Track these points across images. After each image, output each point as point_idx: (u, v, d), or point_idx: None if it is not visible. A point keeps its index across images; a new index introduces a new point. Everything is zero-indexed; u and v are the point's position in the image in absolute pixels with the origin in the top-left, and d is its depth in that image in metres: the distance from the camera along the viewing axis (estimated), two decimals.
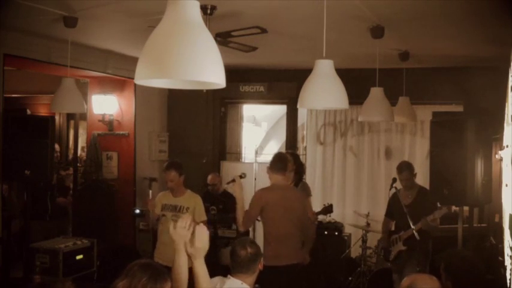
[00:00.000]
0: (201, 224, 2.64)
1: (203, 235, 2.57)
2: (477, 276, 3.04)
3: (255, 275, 3.15)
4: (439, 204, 5.19)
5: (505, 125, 3.90)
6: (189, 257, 2.56)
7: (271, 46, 5.67)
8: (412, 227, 4.95)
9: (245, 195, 7.06)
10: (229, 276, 3.11)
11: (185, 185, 5.06)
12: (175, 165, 4.99)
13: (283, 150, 7.77)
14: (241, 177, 4.79)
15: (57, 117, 8.25)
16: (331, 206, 5.92)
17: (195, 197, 5.04)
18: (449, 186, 4.38)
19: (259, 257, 3.15)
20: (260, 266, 3.16)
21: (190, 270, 2.61)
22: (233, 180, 4.84)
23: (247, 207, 4.64)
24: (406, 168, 5.38)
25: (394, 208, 5.47)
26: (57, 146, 7.32)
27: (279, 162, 4.65)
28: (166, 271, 2.43)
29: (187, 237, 2.53)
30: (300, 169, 5.73)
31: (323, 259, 6.57)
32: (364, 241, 6.05)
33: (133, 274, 2.30)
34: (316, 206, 7.58)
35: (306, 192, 5.63)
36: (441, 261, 3.15)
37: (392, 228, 5.59)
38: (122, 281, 2.30)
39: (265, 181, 7.15)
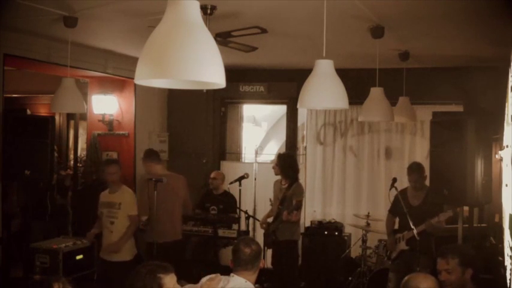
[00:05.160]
0: None
1: None
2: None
3: (256, 273, 3.24)
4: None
5: (505, 125, 3.90)
6: None
7: (271, 46, 5.67)
8: (413, 227, 4.95)
9: (246, 195, 7.11)
10: (232, 274, 3.17)
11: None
12: (116, 161, 5.75)
13: (283, 150, 7.77)
14: (244, 177, 4.83)
15: (57, 117, 8.23)
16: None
17: (126, 191, 5.33)
18: (449, 186, 4.37)
19: (261, 255, 3.27)
20: (262, 264, 3.24)
21: None
22: (237, 180, 4.87)
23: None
24: (415, 170, 5.36)
25: (399, 207, 5.43)
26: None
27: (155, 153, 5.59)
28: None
29: None
30: (288, 170, 5.85)
31: (323, 259, 6.57)
32: (364, 241, 6.05)
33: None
34: (317, 206, 7.62)
35: (297, 193, 5.75)
36: (450, 258, 3.23)
37: (396, 227, 5.59)
38: None
39: (265, 181, 7.19)
